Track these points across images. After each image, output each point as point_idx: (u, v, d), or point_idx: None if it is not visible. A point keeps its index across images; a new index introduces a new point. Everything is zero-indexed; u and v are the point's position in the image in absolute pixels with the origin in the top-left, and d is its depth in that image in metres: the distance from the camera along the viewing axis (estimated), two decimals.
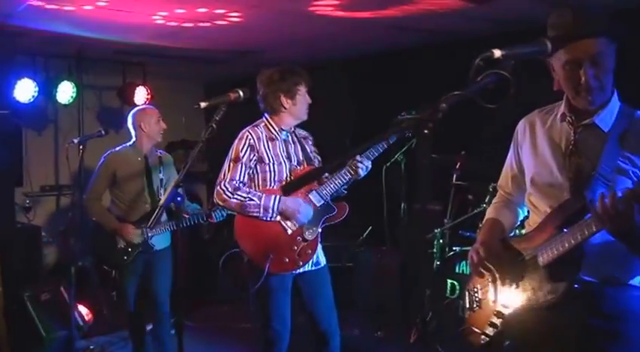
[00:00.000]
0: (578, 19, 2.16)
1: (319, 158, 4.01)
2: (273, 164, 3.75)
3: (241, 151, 3.74)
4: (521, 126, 2.56)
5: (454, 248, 5.51)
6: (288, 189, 2.20)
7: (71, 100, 7.12)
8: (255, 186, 3.77)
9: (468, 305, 2.60)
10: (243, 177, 3.74)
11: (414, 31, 6.07)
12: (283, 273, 3.73)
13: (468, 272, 5.24)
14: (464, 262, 5.28)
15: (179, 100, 7.91)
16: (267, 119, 3.87)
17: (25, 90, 6.59)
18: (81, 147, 5.12)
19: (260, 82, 3.85)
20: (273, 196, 3.67)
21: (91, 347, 5.65)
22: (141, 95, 7.55)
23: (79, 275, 6.04)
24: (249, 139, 3.76)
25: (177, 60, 7.50)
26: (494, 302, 2.43)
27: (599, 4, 2.29)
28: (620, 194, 1.92)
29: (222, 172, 3.78)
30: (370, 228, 6.44)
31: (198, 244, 7.43)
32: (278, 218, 3.71)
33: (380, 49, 6.97)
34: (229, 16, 5.43)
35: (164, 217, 4.78)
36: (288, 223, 3.73)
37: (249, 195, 3.68)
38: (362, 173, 3.75)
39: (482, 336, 2.45)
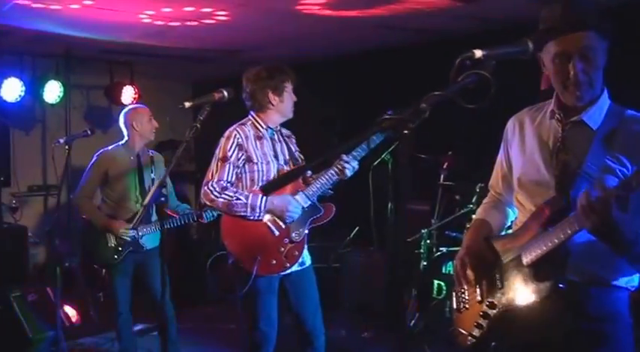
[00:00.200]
0: (568, 12, 2.15)
1: (302, 157, 4.00)
2: (262, 163, 3.74)
3: (229, 151, 3.71)
4: (511, 124, 2.54)
5: (441, 248, 5.51)
6: (268, 188, 2.18)
7: (58, 100, 7.10)
8: (242, 186, 3.74)
9: (455, 306, 2.58)
10: (231, 177, 3.72)
11: (401, 30, 6.08)
12: (270, 275, 3.72)
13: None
14: (451, 263, 5.27)
15: (167, 100, 7.88)
16: (253, 117, 3.85)
17: (12, 89, 6.57)
18: (67, 147, 5.10)
19: (247, 79, 3.84)
20: (260, 195, 3.66)
21: (78, 348, 5.63)
22: (128, 94, 7.54)
23: (65, 275, 6.03)
24: (238, 138, 3.73)
25: (165, 59, 7.49)
26: (480, 302, 2.40)
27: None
28: (597, 191, 1.91)
29: (209, 172, 3.75)
30: (357, 228, 6.43)
31: (186, 245, 7.42)
32: (265, 219, 3.69)
33: (367, 48, 6.96)
34: (216, 15, 5.42)
35: (154, 217, 4.78)
36: (275, 224, 3.71)
37: (237, 195, 3.66)
38: (349, 173, 3.74)
39: (469, 337, 2.42)
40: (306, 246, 3.86)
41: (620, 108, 2.28)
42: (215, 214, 4.51)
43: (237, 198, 3.65)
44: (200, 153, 7.81)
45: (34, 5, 4.89)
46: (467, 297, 2.50)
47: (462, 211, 5.33)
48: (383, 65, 6.92)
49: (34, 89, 6.88)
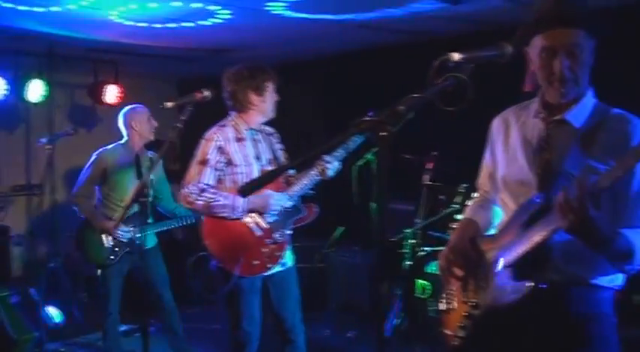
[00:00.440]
0: (558, 8, 2.15)
1: (286, 155, 3.98)
2: (243, 166, 3.71)
3: (209, 154, 3.69)
4: (496, 123, 2.54)
5: (425, 248, 5.52)
6: (247, 190, 2.18)
7: (42, 99, 7.04)
8: (224, 189, 3.72)
9: (443, 307, 2.57)
10: (210, 180, 3.69)
11: (384, 31, 6.09)
12: (252, 276, 3.71)
13: (438, 272, 5.26)
14: (434, 262, 5.29)
15: (151, 99, 7.82)
16: (235, 117, 3.82)
17: None
18: (50, 146, 5.08)
19: (228, 79, 3.81)
20: (240, 196, 3.65)
21: (62, 349, 5.59)
22: (112, 93, 7.49)
23: (49, 276, 6.00)
24: (218, 141, 3.70)
25: (150, 58, 7.45)
26: (465, 303, 2.41)
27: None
28: (574, 190, 1.90)
29: (187, 174, 3.74)
30: (342, 228, 6.44)
31: (170, 245, 7.39)
32: (247, 219, 3.68)
33: (351, 49, 6.98)
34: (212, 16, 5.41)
35: (150, 218, 4.79)
36: (257, 225, 3.70)
37: (216, 196, 3.64)
38: (330, 173, 3.75)
39: (455, 338, 2.43)
40: (289, 247, 3.86)
41: (605, 106, 2.28)
42: None
43: (217, 200, 3.63)
44: (185, 153, 7.81)
45: (20, 8, 4.86)
46: (453, 298, 2.51)
47: (446, 211, 5.34)
48: (366, 65, 6.93)
49: (17, 88, 6.83)
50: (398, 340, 5.24)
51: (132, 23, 5.52)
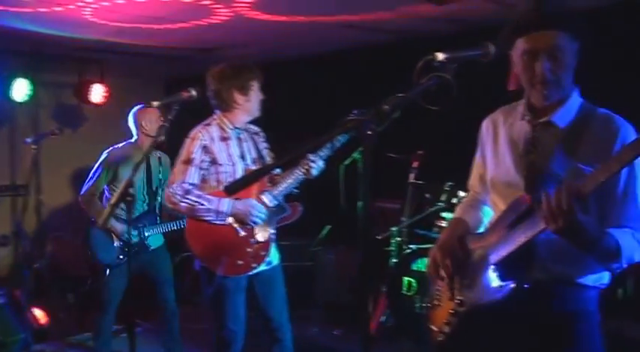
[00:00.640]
0: (540, 10, 2.16)
1: (271, 154, 3.98)
2: (227, 165, 3.70)
3: (193, 153, 3.68)
4: (485, 125, 2.55)
5: (411, 246, 5.57)
6: (232, 189, 2.18)
7: (27, 98, 7.00)
8: (209, 188, 3.71)
9: (430, 303, 2.60)
10: (195, 179, 3.68)
11: (370, 30, 6.11)
12: (237, 276, 3.71)
13: (424, 269, 5.31)
14: (420, 260, 5.34)
15: (138, 98, 7.80)
16: (219, 116, 3.81)
17: None
18: (36, 146, 5.05)
19: (212, 78, 3.78)
20: (224, 200, 3.63)
21: (48, 350, 5.56)
22: (98, 93, 7.46)
23: (34, 277, 5.97)
24: (203, 140, 3.69)
25: (136, 57, 7.42)
26: (451, 300, 2.42)
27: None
28: (560, 192, 1.91)
29: (172, 174, 3.74)
30: (329, 227, 6.46)
31: None
32: (230, 219, 3.67)
33: (336, 48, 6.99)
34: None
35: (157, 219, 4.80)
36: (241, 225, 3.69)
37: (200, 200, 3.62)
38: (315, 173, 3.74)
39: (441, 334, 2.45)
40: (273, 246, 3.86)
41: (591, 106, 2.28)
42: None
43: (201, 203, 3.61)
44: (173, 152, 7.79)
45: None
46: (440, 294, 2.52)
47: (432, 209, 5.39)
48: (351, 65, 6.95)
49: (1, 87, 6.78)
50: (384, 337, 5.28)
51: (117, 24, 5.50)
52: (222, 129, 3.77)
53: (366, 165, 1.82)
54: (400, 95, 1.82)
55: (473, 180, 2.69)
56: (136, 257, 4.65)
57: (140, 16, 5.34)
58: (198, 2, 4.92)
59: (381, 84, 3.90)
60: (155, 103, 3.53)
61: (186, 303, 4.95)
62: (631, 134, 2.17)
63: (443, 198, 5.28)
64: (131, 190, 3.29)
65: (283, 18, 5.42)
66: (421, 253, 5.36)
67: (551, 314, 2.22)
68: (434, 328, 2.50)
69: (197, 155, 3.67)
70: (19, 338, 5.25)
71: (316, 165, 3.73)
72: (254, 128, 3.99)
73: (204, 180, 3.72)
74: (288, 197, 3.86)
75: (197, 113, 4.20)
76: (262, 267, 3.78)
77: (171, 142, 4.03)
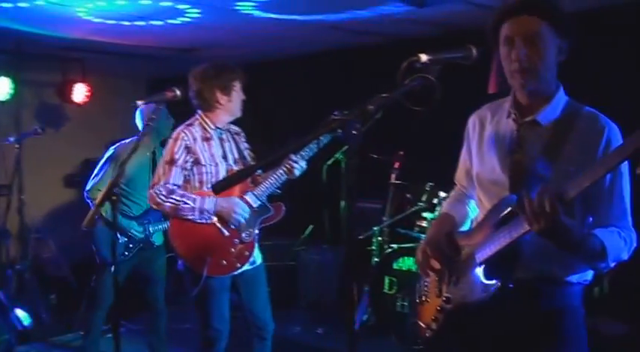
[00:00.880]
0: None
1: (252, 154, 3.98)
2: (210, 165, 3.69)
3: (176, 153, 3.66)
4: (472, 121, 2.52)
5: (392, 245, 5.63)
6: (219, 187, 2.20)
7: (9, 97, 6.94)
8: (191, 188, 3.70)
9: (417, 299, 2.59)
10: (178, 180, 3.67)
11: (353, 32, 6.14)
12: (221, 276, 3.71)
13: (405, 268, 5.37)
14: (401, 259, 5.40)
15: (119, 98, 7.82)
16: (201, 116, 3.79)
17: None
18: (18, 145, 5.04)
19: (194, 77, 3.76)
20: (208, 198, 3.63)
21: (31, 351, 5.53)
22: (80, 92, 7.44)
23: (17, 278, 5.93)
24: (185, 140, 3.67)
25: (118, 56, 7.39)
26: (438, 296, 2.42)
27: None
28: (543, 194, 1.90)
29: (156, 175, 3.72)
30: (311, 226, 6.49)
31: None
32: (214, 219, 3.67)
33: (319, 49, 7.02)
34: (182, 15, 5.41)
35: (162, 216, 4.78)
36: (225, 225, 3.69)
37: (184, 199, 3.61)
38: (297, 173, 3.76)
39: (428, 330, 2.46)
40: (257, 246, 3.87)
41: (576, 104, 2.26)
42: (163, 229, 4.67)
43: (185, 202, 3.60)
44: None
45: None
46: (428, 290, 2.52)
47: (413, 209, 5.46)
48: (335, 66, 6.99)
49: None
50: (365, 335, 5.32)
51: (100, 20, 5.49)
52: (204, 129, 3.76)
53: (351, 165, 1.82)
54: (384, 95, 1.83)
55: (459, 175, 2.67)
56: (139, 253, 4.67)
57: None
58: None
59: (365, 85, 3.95)
60: (140, 102, 3.50)
61: (170, 303, 4.95)
62: (616, 133, 2.16)
63: (423, 198, 5.36)
64: (115, 190, 3.28)
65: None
66: (402, 252, 5.41)
67: (536, 311, 2.22)
68: (421, 324, 2.51)
69: (180, 155, 3.66)
70: (3, 339, 5.20)
71: (298, 165, 3.75)
72: (235, 128, 3.98)
73: (186, 180, 3.71)
74: (271, 197, 3.87)
75: (179, 113, 4.24)
76: (246, 267, 3.79)
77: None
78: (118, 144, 4.77)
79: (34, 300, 6.01)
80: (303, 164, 3.78)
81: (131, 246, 4.63)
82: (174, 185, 3.64)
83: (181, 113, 3.94)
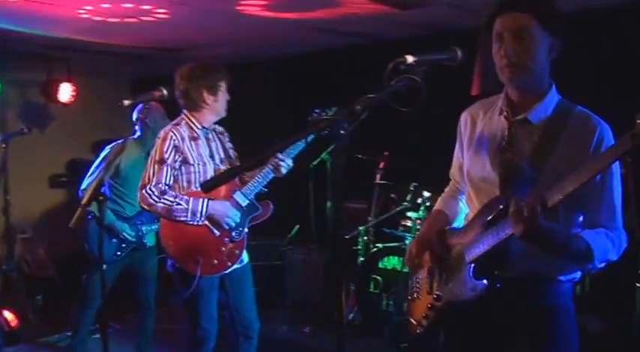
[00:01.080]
0: None
1: (236, 154, 3.99)
2: (198, 165, 3.69)
3: (165, 152, 3.65)
4: (464, 117, 2.51)
5: (377, 244, 5.69)
6: (207, 186, 2.20)
7: None
8: (179, 188, 3.69)
9: (409, 295, 2.59)
10: (169, 179, 3.65)
11: (338, 33, 6.17)
12: (212, 275, 3.72)
13: (390, 267, 5.42)
14: (386, 258, 5.45)
15: (104, 98, 7.80)
16: (187, 116, 3.80)
17: None
18: (3, 145, 5.02)
19: (181, 77, 3.76)
20: (200, 200, 3.63)
21: None
22: (66, 92, 7.41)
23: (3, 279, 5.90)
24: (174, 140, 3.66)
25: (103, 56, 7.37)
26: (429, 294, 2.43)
27: None
28: (522, 199, 1.92)
29: (146, 175, 3.67)
30: (298, 226, 6.52)
31: None
32: (205, 221, 3.68)
33: (304, 50, 7.05)
34: (155, 13, 5.40)
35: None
36: (215, 224, 3.70)
37: (177, 200, 3.59)
38: (284, 171, 3.80)
39: (419, 327, 2.47)
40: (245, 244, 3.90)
41: (568, 104, 2.25)
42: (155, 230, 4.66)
43: (178, 203, 3.59)
44: None
45: None
46: (419, 287, 2.53)
47: (397, 209, 5.53)
48: (319, 67, 7.03)
49: None
50: (351, 333, 5.36)
51: (87, 16, 5.48)
52: (191, 129, 3.76)
53: (338, 165, 1.82)
54: (371, 96, 1.84)
55: (453, 170, 2.67)
56: (131, 254, 4.68)
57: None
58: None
59: (349, 86, 3.98)
60: (127, 102, 3.46)
61: (158, 304, 4.96)
62: (608, 133, 2.15)
63: (408, 198, 5.42)
64: (103, 190, 3.27)
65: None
66: (387, 252, 5.47)
67: (525, 310, 2.23)
68: (412, 321, 2.52)
69: (169, 155, 3.65)
70: None
71: (285, 163, 3.79)
72: (219, 128, 3.99)
73: (174, 180, 3.71)
74: (258, 195, 3.89)
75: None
76: (236, 266, 3.81)
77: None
78: (114, 143, 4.72)
79: (20, 301, 5.99)
80: (290, 162, 3.82)
81: (124, 246, 4.63)
82: (166, 185, 3.63)
83: (166, 113, 3.95)
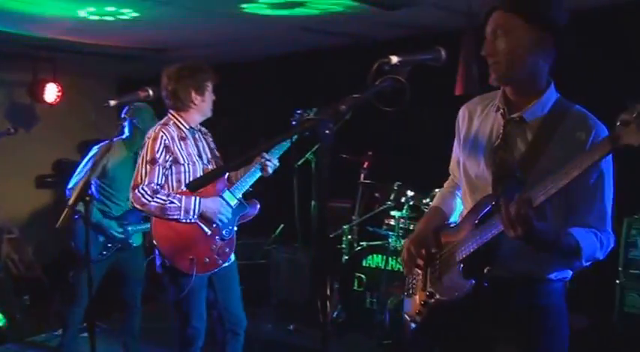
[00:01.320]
0: None
1: (218, 154, 4.02)
2: (188, 164, 3.71)
3: (157, 152, 3.64)
4: (462, 113, 2.50)
5: (361, 243, 5.76)
6: (194, 186, 2.21)
7: None
8: (168, 187, 3.70)
9: (405, 291, 2.61)
10: (161, 179, 3.65)
11: (323, 33, 6.21)
12: (204, 274, 3.75)
13: (374, 266, 5.48)
14: (370, 256, 5.51)
15: (91, 98, 7.80)
16: (174, 116, 3.81)
17: None
18: None
19: (169, 77, 3.76)
20: (193, 198, 3.64)
21: None
22: (52, 92, 7.41)
23: None
24: (164, 140, 3.67)
25: (89, 56, 7.33)
26: (423, 290, 2.45)
27: None
28: (516, 202, 1.91)
29: (137, 175, 3.67)
30: (282, 225, 6.57)
31: None
32: (197, 219, 3.70)
33: (289, 50, 7.10)
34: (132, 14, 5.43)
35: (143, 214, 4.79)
36: (206, 223, 3.73)
37: (169, 198, 3.61)
38: (271, 171, 3.87)
39: (412, 323, 2.49)
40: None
41: (567, 103, 2.23)
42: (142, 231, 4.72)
43: (171, 202, 3.60)
44: None
45: None
46: (415, 284, 2.54)
47: (381, 208, 5.60)
48: (304, 67, 7.08)
49: None
50: (335, 331, 5.41)
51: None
52: (179, 128, 3.78)
53: (323, 164, 1.84)
54: (355, 96, 1.87)
55: (452, 165, 2.65)
56: (117, 253, 4.70)
57: None
58: None
59: (333, 86, 4.03)
60: (113, 102, 3.45)
61: (146, 302, 5.00)
62: (604, 134, 2.09)
63: (392, 197, 5.48)
64: (90, 190, 3.28)
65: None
66: (371, 250, 5.53)
67: (516, 309, 2.23)
68: (406, 316, 2.54)
69: (161, 154, 3.66)
70: None
71: (272, 163, 3.86)
72: (203, 128, 4.02)
73: (165, 180, 3.72)
74: (244, 195, 3.94)
75: None
76: (225, 264, 3.85)
77: None
78: (102, 143, 4.72)
79: (8, 301, 6.00)
80: (276, 162, 3.89)
81: (109, 245, 4.66)
82: (158, 185, 3.64)
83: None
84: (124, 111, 4.63)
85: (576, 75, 3.42)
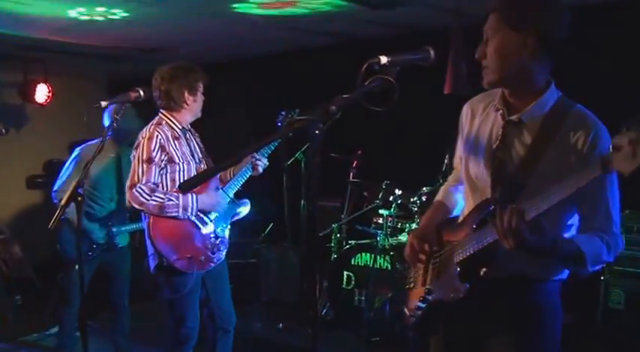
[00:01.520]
0: None
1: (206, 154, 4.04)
2: (183, 163, 3.72)
3: (153, 151, 3.64)
4: (465, 110, 2.48)
5: (350, 241, 5.80)
6: (186, 186, 2.23)
7: None
8: (163, 187, 3.69)
9: (407, 286, 2.61)
10: (157, 178, 3.66)
11: (310, 32, 6.27)
12: (200, 272, 3.77)
13: (362, 264, 5.53)
14: (359, 255, 5.56)
15: (81, 98, 7.81)
16: (166, 116, 3.81)
17: None
18: None
19: (161, 77, 3.76)
20: (190, 195, 3.67)
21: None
22: (42, 93, 7.44)
23: None
24: (160, 139, 3.67)
25: (79, 57, 7.40)
26: (423, 285, 2.46)
27: None
28: (508, 214, 1.91)
29: (134, 175, 3.65)
30: (272, 224, 6.61)
31: None
32: (193, 217, 3.74)
33: (277, 50, 7.15)
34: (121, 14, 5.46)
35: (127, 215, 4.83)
36: (201, 221, 3.77)
37: (167, 196, 3.62)
38: (261, 170, 3.93)
39: (412, 318, 2.50)
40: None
41: (568, 102, 2.20)
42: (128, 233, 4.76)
43: (169, 200, 3.61)
44: None
45: None
46: (417, 278, 2.55)
47: (370, 206, 5.66)
48: (292, 67, 7.12)
49: None
50: (324, 329, 5.44)
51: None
52: (172, 128, 3.79)
53: (313, 164, 1.84)
54: (345, 96, 1.88)
55: (456, 160, 2.64)
56: (103, 254, 4.71)
57: None
58: None
59: (322, 86, 4.07)
60: (104, 103, 3.51)
61: (137, 301, 5.03)
62: (602, 135, 2.09)
63: (380, 196, 5.53)
64: (80, 190, 3.30)
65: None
66: (360, 248, 5.58)
67: (511, 307, 2.24)
68: (406, 311, 2.55)
69: (156, 154, 3.66)
70: None
71: (262, 163, 3.92)
72: (192, 129, 4.03)
73: (160, 179, 3.73)
74: (235, 194, 3.99)
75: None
76: (219, 261, 3.88)
77: None
78: (83, 145, 4.77)
79: (0, 300, 6.01)
80: (266, 161, 3.95)
81: (95, 246, 4.67)
82: (154, 184, 3.64)
83: (142, 114, 4.00)
84: (109, 111, 4.58)
85: (576, 75, 3.43)
